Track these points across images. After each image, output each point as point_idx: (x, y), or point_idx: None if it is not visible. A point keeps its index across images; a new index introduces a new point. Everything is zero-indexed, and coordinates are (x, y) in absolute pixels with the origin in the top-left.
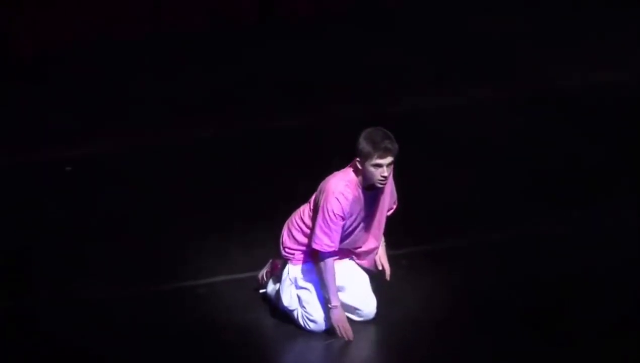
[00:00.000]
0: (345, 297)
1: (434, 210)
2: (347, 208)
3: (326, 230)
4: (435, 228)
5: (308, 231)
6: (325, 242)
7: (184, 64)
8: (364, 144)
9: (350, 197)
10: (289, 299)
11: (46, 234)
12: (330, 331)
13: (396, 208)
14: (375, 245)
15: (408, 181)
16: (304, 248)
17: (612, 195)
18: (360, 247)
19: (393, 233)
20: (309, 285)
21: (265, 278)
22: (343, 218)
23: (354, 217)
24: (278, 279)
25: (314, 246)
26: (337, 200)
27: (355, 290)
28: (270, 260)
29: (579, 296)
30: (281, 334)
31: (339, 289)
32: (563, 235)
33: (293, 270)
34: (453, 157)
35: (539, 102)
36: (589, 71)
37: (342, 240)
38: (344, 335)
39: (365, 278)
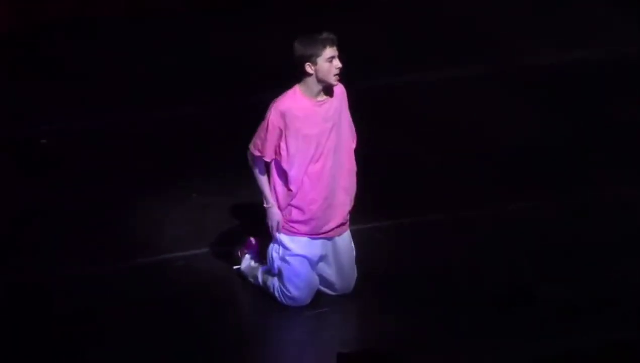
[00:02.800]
0: (329, 271)
1: (409, 184)
2: (288, 112)
3: (262, 134)
4: (410, 203)
5: (287, 196)
6: (258, 146)
7: (159, 45)
8: (306, 46)
9: (288, 100)
10: (270, 263)
11: (19, 211)
12: (307, 305)
13: (356, 147)
14: (353, 182)
15: (383, 156)
16: (294, 211)
17: (585, 171)
18: (340, 187)
19: (367, 206)
20: (295, 261)
21: (240, 254)
22: (280, 129)
23: (310, 133)
24: (252, 257)
25: (249, 145)
26: (276, 108)
27: (341, 268)
28: (246, 237)
29: (554, 274)
30: (257, 309)
31: (327, 264)
32: (538, 211)
33: (284, 238)
34: (428, 133)
35: (512, 79)
36: (564, 48)
37: (319, 175)
38: (275, 232)
39: (352, 255)
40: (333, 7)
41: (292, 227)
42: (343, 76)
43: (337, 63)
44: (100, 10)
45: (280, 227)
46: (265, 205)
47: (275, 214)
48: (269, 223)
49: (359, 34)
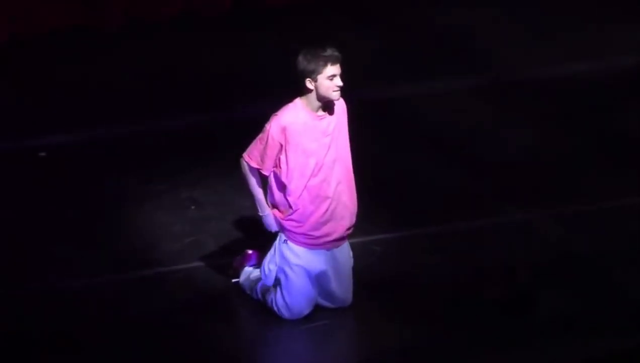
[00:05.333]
0: (327, 284)
1: (406, 196)
2: (289, 127)
3: (260, 147)
4: (407, 215)
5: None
6: (256, 158)
7: (159, 56)
8: (309, 61)
9: (289, 114)
10: (267, 272)
11: (17, 222)
12: (306, 318)
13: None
14: (352, 197)
15: (380, 168)
16: (293, 223)
17: (583, 181)
18: (341, 202)
19: (365, 219)
20: (293, 273)
21: (239, 267)
22: (280, 144)
23: (310, 148)
24: (251, 270)
25: (244, 154)
26: (278, 122)
27: (339, 280)
28: (245, 250)
29: (552, 284)
30: (256, 322)
31: (326, 276)
32: (535, 223)
33: (284, 248)
34: (426, 144)
35: (513, 91)
36: (566, 59)
37: (319, 189)
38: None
39: (350, 269)
40: (332, 17)
41: (291, 237)
42: (345, 86)
43: (337, 81)
44: (98, 20)
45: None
46: (260, 213)
47: (271, 222)
48: (268, 230)
49: (358, 46)
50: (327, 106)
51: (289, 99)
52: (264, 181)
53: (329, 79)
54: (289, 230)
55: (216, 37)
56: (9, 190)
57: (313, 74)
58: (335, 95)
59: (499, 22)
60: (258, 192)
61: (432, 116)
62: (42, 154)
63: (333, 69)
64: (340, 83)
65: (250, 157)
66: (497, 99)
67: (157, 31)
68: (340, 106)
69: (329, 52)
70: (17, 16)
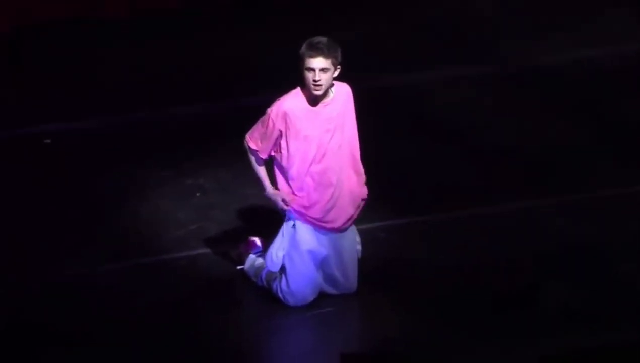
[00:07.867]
0: (332, 270)
1: (413, 183)
2: (290, 113)
3: (261, 130)
4: (412, 202)
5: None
6: (256, 141)
7: (162, 45)
8: (301, 50)
9: (291, 101)
10: (274, 258)
11: (23, 211)
12: (310, 305)
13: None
14: (359, 183)
15: (386, 155)
16: (301, 209)
17: (587, 172)
18: (345, 189)
19: (371, 206)
20: (298, 259)
21: (244, 254)
22: (280, 131)
23: (311, 135)
24: (256, 257)
25: (246, 134)
26: (279, 108)
27: (342, 265)
28: (250, 238)
29: (556, 274)
30: (261, 309)
31: (329, 261)
32: (539, 213)
33: (292, 232)
34: (430, 133)
35: (517, 79)
36: (569, 47)
37: (322, 176)
38: (285, 205)
39: (355, 256)
40: (338, 6)
41: (299, 216)
42: (348, 75)
43: (314, 75)
44: (102, 10)
45: (289, 202)
46: (267, 191)
47: (277, 195)
48: (277, 206)
49: (358, 35)
50: (326, 94)
51: (293, 88)
52: (269, 162)
53: (307, 70)
54: (296, 210)
55: (222, 26)
56: (10, 180)
57: (300, 62)
58: (312, 88)
59: (502, 12)
60: (261, 170)
61: (436, 106)
62: (47, 140)
63: (311, 62)
64: (317, 78)
65: (251, 138)
66: (500, 88)
67: (161, 21)
68: (345, 92)
69: (315, 44)
70: (17, 7)
